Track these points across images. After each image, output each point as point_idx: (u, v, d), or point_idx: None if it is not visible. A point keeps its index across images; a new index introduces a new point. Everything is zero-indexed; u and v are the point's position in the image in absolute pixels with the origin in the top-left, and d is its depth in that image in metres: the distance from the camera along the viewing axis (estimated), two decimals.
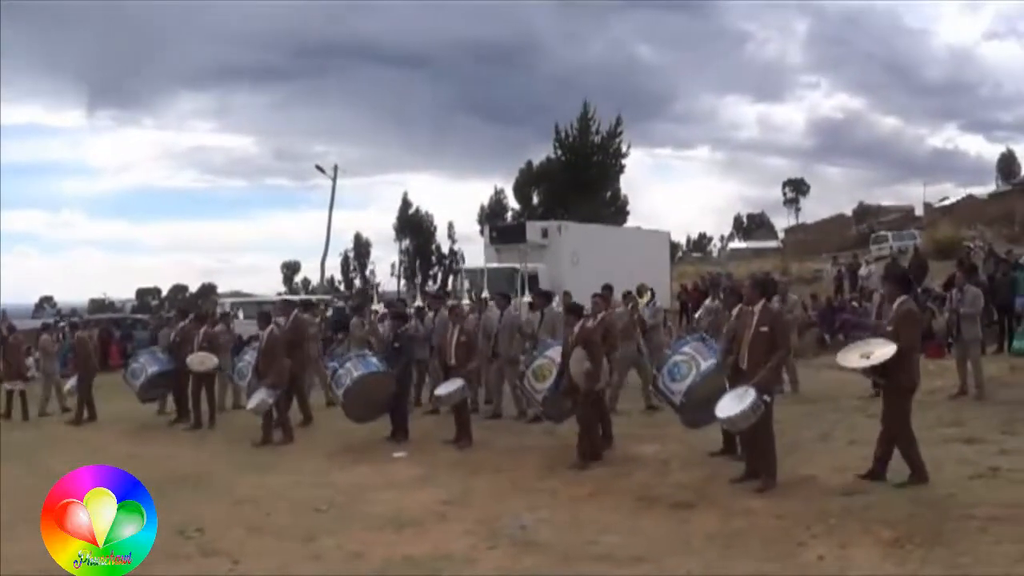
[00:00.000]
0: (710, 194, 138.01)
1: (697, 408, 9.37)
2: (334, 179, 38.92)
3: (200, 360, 14.26)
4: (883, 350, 8.12)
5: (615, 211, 48.73)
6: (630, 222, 47.65)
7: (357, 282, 73.43)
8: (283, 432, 12.49)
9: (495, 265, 24.55)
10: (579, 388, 10.07)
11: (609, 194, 49.97)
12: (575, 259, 24.48)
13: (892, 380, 8.18)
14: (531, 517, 7.98)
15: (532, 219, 35.53)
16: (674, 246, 62.63)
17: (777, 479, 8.32)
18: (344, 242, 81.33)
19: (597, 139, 48.43)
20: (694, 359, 9.66)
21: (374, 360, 12.47)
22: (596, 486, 9.01)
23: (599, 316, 11.16)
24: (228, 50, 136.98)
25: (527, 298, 17.16)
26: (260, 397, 12.46)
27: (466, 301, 17.14)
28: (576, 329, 10.35)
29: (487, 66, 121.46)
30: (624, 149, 49.67)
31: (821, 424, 11.51)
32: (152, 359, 15.41)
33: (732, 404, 8.25)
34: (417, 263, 72.22)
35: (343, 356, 13.49)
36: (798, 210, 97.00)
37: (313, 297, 32.41)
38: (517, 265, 22.92)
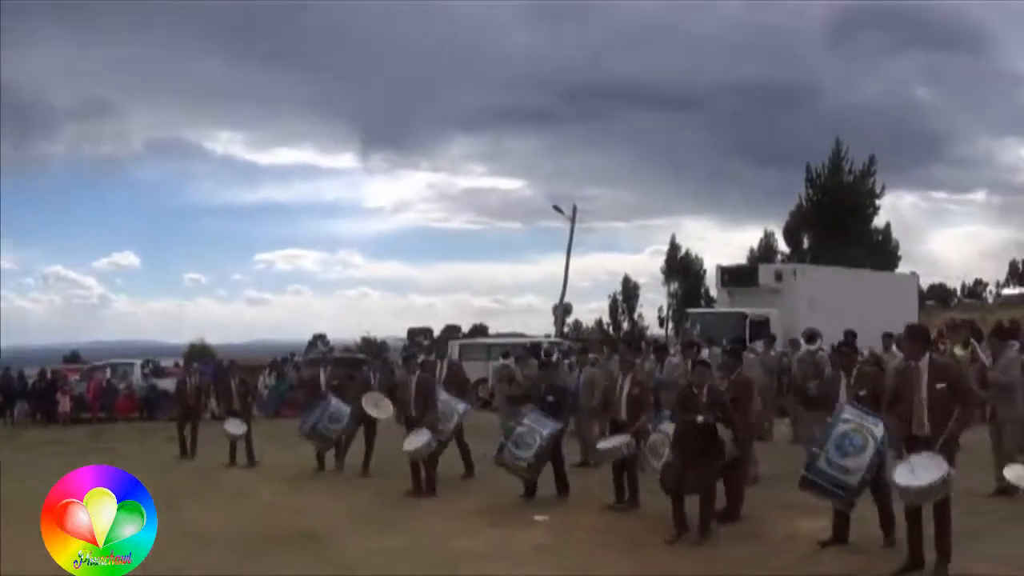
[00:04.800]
0: (986, 239, 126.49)
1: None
2: (572, 219, 38.77)
3: (374, 402, 13.59)
4: None
5: (886, 256, 45.25)
6: (902, 267, 44.42)
7: (625, 325, 72.75)
8: (423, 484, 11.55)
9: (720, 310, 23.03)
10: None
11: (880, 238, 46.63)
12: (812, 304, 22.34)
13: None
14: None
15: (802, 263, 34.23)
16: (948, 292, 57.69)
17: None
18: (615, 284, 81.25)
19: (849, 179, 45.30)
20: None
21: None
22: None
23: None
24: (499, 93, 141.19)
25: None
26: (424, 439, 11.42)
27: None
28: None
29: (760, 108, 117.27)
30: (878, 190, 46.23)
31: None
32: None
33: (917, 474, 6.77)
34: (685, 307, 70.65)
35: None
36: None
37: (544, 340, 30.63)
38: (745, 310, 21.42)
